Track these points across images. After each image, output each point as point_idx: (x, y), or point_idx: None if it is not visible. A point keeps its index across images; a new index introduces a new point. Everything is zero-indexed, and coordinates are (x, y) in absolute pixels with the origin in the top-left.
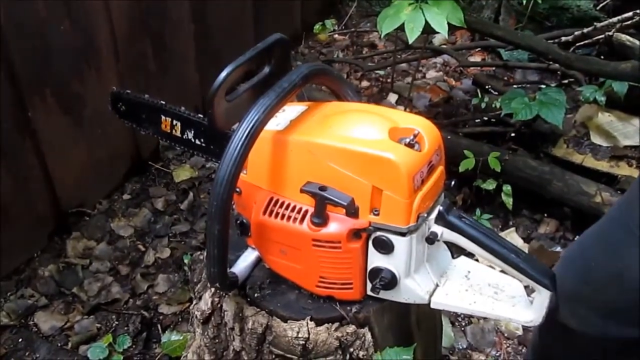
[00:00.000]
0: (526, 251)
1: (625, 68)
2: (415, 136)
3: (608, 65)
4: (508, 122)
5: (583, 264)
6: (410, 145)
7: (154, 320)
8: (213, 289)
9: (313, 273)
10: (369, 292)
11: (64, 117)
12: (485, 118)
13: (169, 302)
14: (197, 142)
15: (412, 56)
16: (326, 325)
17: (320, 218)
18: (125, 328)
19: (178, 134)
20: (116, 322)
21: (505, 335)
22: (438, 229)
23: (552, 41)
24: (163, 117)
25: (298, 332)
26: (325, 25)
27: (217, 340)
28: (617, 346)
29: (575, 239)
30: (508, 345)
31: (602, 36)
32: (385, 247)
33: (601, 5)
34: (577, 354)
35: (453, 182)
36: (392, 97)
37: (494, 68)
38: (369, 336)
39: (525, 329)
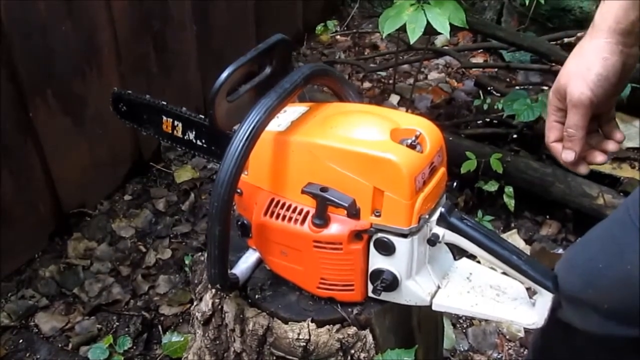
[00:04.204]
0: (528, 253)
1: None
2: (416, 137)
3: None
4: (510, 123)
5: (588, 266)
6: (411, 146)
7: (155, 321)
8: (214, 290)
9: (314, 274)
10: (370, 294)
11: (65, 118)
12: (487, 119)
13: (170, 303)
14: (199, 142)
15: (414, 57)
16: (327, 326)
17: (322, 219)
18: (126, 329)
19: (179, 134)
20: (117, 323)
21: (507, 337)
22: (440, 231)
23: (554, 42)
24: (164, 118)
25: (299, 334)
26: (327, 26)
27: (217, 342)
28: (618, 344)
29: (577, 240)
30: (509, 347)
31: None
32: (387, 249)
33: None
34: (579, 352)
35: (455, 184)
36: (394, 99)
37: (496, 69)
38: (370, 338)
39: (526, 331)
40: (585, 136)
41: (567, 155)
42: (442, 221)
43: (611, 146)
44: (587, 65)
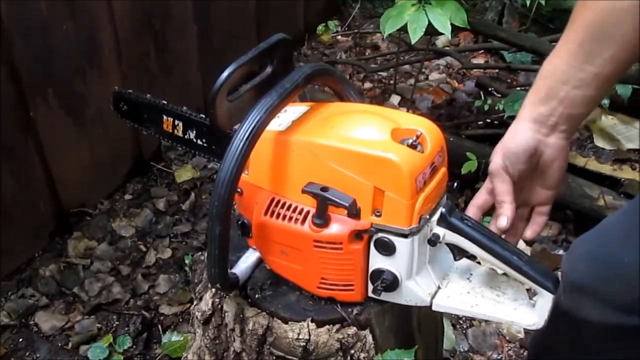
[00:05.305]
0: (528, 254)
1: (629, 71)
2: (417, 137)
3: None
4: (511, 124)
5: (607, 259)
6: (412, 146)
7: (155, 320)
8: (214, 290)
9: (314, 274)
10: (370, 294)
11: (66, 117)
12: (488, 120)
13: (170, 302)
14: (199, 142)
15: (415, 58)
16: (327, 326)
17: (322, 219)
18: (126, 328)
19: (180, 134)
20: (117, 322)
21: (507, 338)
22: (440, 231)
23: (555, 43)
24: (165, 117)
25: (299, 334)
26: (328, 27)
27: (217, 341)
28: (629, 333)
29: (590, 232)
30: (509, 348)
31: None
32: (387, 249)
33: None
34: (583, 347)
35: (455, 184)
36: (395, 99)
37: (497, 70)
38: (370, 338)
39: (526, 332)
40: (515, 207)
41: (500, 221)
42: (443, 221)
43: (528, 233)
44: (504, 141)
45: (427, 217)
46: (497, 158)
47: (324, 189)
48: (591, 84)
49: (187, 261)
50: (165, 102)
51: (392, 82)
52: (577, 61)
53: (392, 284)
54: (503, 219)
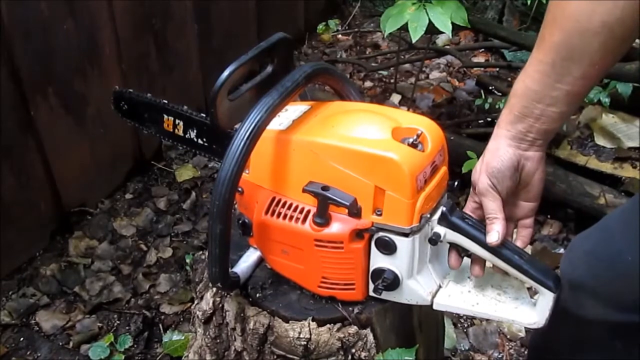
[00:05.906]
0: (529, 253)
1: (629, 69)
2: (418, 136)
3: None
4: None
5: (609, 257)
6: (413, 145)
7: (156, 319)
8: (215, 289)
9: (315, 273)
10: (371, 293)
11: (66, 116)
12: (489, 119)
13: (171, 301)
14: (200, 141)
15: (415, 57)
16: (328, 325)
17: (323, 218)
18: (127, 327)
19: (180, 133)
20: (118, 322)
21: (508, 337)
22: (441, 230)
23: None
24: (165, 116)
25: (300, 333)
26: (328, 26)
27: (218, 341)
28: (632, 330)
29: (591, 229)
30: (510, 347)
31: None
32: (388, 248)
33: None
34: (584, 345)
35: (456, 183)
36: (395, 98)
37: (497, 69)
38: (371, 337)
39: (527, 330)
40: (506, 222)
41: (491, 237)
42: (444, 220)
43: (518, 243)
44: (487, 161)
45: (428, 216)
46: (484, 178)
47: (325, 188)
48: (564, 100)
49: (187, 260)
50: (165, 102)
51: (392, 81)
52: (549, 80)
53: (393, 283)
54: (494, 234)
